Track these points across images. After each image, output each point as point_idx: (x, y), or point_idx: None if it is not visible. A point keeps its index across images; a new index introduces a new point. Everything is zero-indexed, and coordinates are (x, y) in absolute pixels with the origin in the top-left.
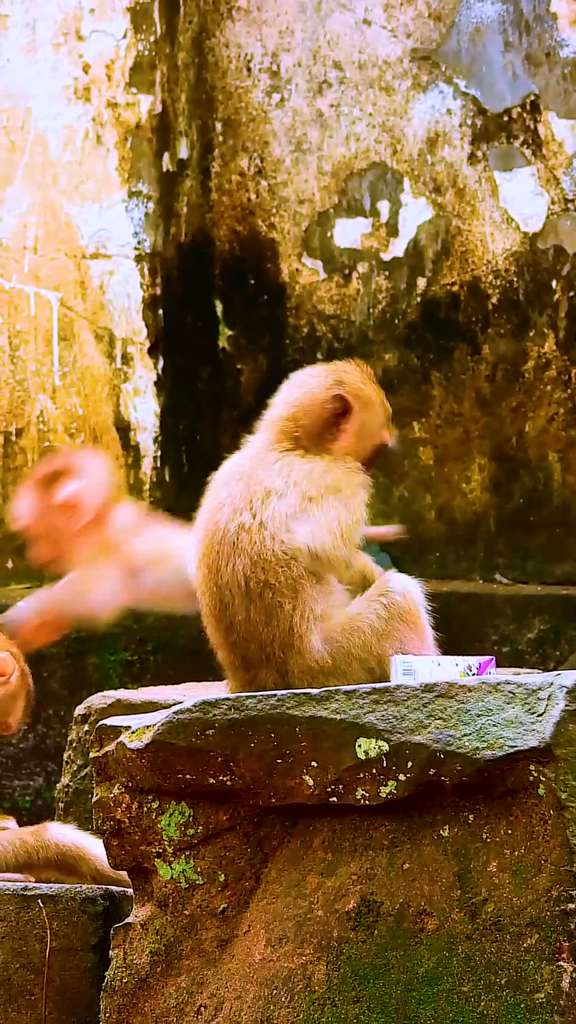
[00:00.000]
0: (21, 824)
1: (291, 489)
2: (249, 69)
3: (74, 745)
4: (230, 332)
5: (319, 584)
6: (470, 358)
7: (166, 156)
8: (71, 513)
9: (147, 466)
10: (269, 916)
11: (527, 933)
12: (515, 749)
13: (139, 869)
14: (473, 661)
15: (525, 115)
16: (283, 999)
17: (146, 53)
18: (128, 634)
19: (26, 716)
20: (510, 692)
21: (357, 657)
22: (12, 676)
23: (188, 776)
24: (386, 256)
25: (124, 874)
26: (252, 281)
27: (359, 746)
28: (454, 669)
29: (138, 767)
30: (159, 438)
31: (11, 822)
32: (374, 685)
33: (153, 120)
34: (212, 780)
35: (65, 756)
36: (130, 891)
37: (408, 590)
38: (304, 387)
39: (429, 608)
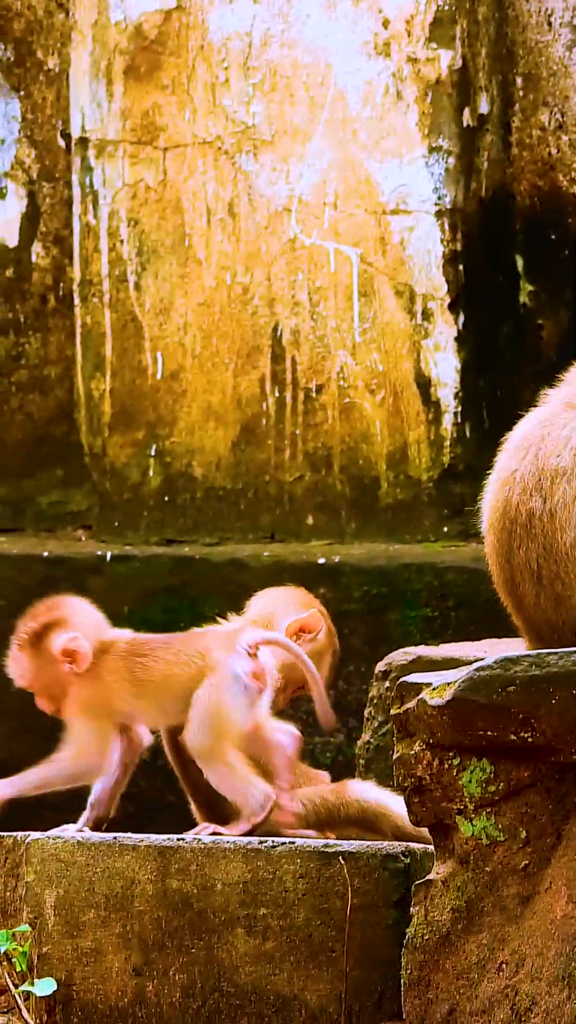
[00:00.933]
0: None
1: None
2: (550, 23)
3: (375, 702)
4: (531, 287)
5: None
6: None
7: (466, 111)
8: (72, 661)
9: (448, 422)
10: (571, 873)
11: None
12: None
13: (440, 826)
14: None
15: None
16: None
17: (446, 8)
18: (429, 590)
19: (332, 675)
20: None
21: None
22: (320, 634)
23: (489, 733)
24: None
25: (424, 831)
26: (553, 236)
27: None
28: None
29: (439, 724)
30: (459, 394)
31: (325, 775)
32: None
33: (453, 75)
34: (513, 737)
35: (366, 712)
36: (430, 848)
37: None
38: None
39: None
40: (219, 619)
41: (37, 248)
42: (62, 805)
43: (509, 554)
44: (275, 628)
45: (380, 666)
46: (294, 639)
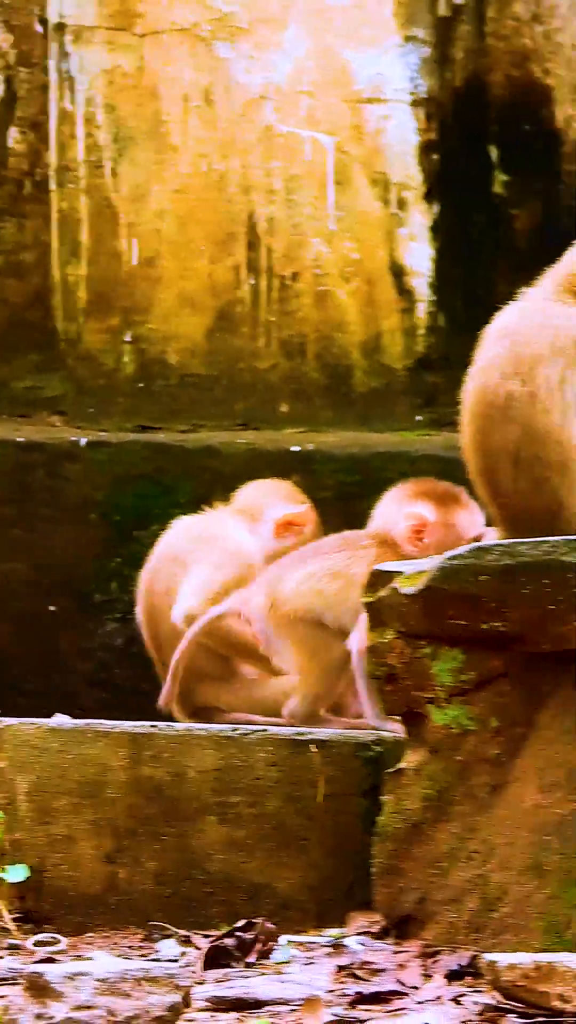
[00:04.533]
0: None
1: (557, 357)
2: None
3: None
4: (505, 178)
5: None
6: None
7: (442, 1)
8: None
9: (422, 311)
10: (541, 762)
11: None
12: None
13: (412, 715)
14: None
15: None
16: (555, 845)
17: None
18: (401, 479)
19: None
20: None
21: None
22: (307, 527)
23: (461, 622)
24: None
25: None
26: (527, 127)
27: None
28: None
29: (411, 613)
30: (434, 283)
31: None
32: None
33: None
34: (485, 626)
35: None
36: (402, 737)
37: None
38: None
39: None
40: (203, 508)
41: (13, 133)
42: (37, 692)
43: (487, 439)
44: (261, 519)
45: None
46: (282, 532)
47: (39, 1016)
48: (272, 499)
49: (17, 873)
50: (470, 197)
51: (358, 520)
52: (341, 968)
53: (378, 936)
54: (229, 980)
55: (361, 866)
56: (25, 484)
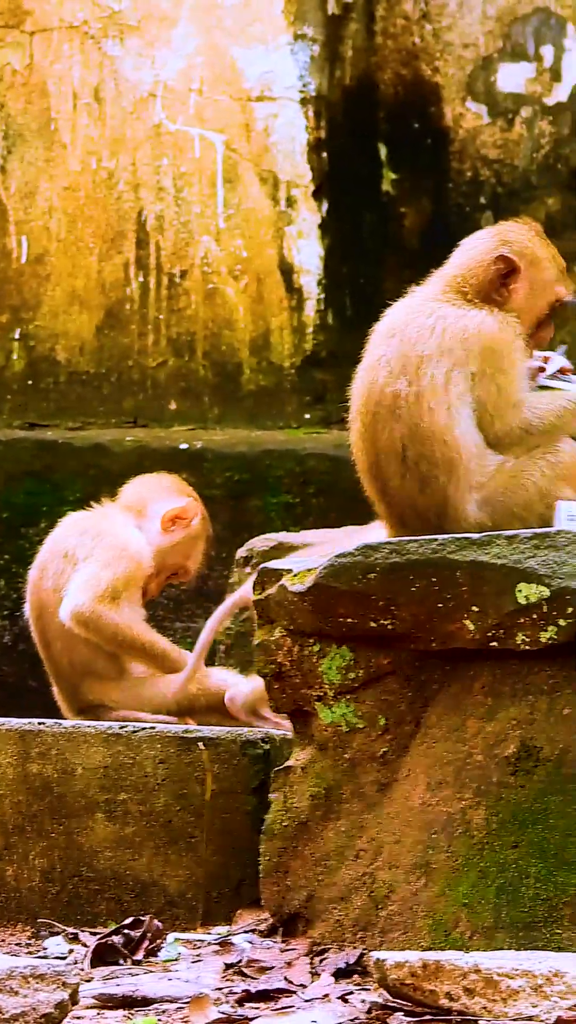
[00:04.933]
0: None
1: (444, 357)
2: None
3: (235, 588)
4: (394, 176)
5: (479, 454)
6: None
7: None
8: None
9: (310, 309)
10: (429, 760)
11: None
12: None
13: (300, 713)
14: None
15: None
16: (442, 843)
17: None
18: (290, 476)
19: (204, 561)
20: None
21: (518, 516)
22: (194, 520)
23: (349, 620)
24: (549, 101)
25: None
26: (416, 125)
27: (519, 591)
28: None
29: (300, 610)
30: (323, 281)
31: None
32: (535, 530)
33: None
34: (373, 624)
35: (227, 599)
36: (291, 735)
37: None
38: (471, 249)
39: None
40: (89, 505)
41: None
42: None
43: (375, 437)
44: (147, 514)
45: (241, 552)
46: (169, 526)
47: None
48: (157, 494)
49: None
50: (359, 195)
51: (248, 517)
52: (229, 966)
53: (266, 934)
54: (117, 978)
55: (249, 864)
56: None
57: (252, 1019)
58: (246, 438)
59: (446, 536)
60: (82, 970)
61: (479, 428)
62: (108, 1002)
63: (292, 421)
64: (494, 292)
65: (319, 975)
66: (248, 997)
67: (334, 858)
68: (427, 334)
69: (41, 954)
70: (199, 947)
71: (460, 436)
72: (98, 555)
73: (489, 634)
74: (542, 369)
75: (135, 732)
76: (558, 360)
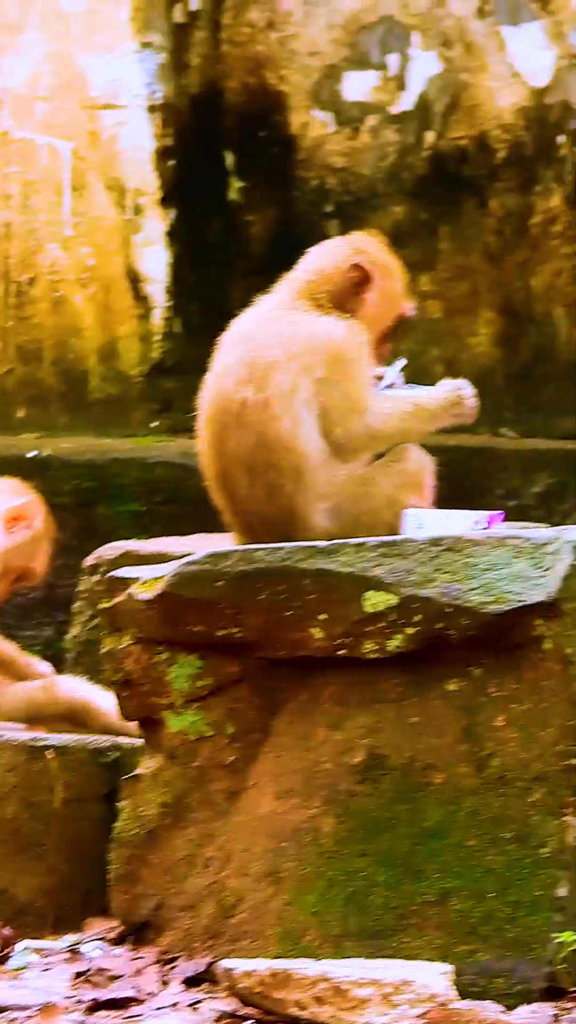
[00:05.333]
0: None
1: (291, 363)
2: None
3: (84, 596)
4: (241, 184)
5: (327, 462)
6: (477, 212)
7: (177, 8)
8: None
9: (158, 317)
10: (277, 769)
11: (533, 787)
12: (521, 604)
13: (149, 721)
14: (482, 516)
15: None
16: (290, 851)
17: None
18: (138, 485)
19: (49, 564)
20: (517, 547)
21: (366, 524)
22: (37, 520)
23: (198, 628)
24: (395, 109)
25: (134, 727)
26: (263, 133)
27: (367, 599)
28: (464, 523)
29: (148, 618)
30: (171, 289)
31: (47, 667)
32: (382, 539)
33: None
34: (222, 632)
35: (74, 607)
36: (140, 743)
37: (423, 461)
38: (324, 256)
39: (437, 462)
40: None
41: None
42: None
43: (222, 445)
44: None
45: (89, 560)
46: (11, 526)
47: None
48: None
49: None
50: (206, 203)
51: (96, 525)
52: (78, 974)
53: (115, 942)
54: None
55: (99, 872)
56: None
57: None
58: (94, 446)
59: (294, 544)
60: None
61: (324, 435)
62: None
63: (139, 429)
64: (347, 300)
65: (168, 983)
66: (97, 1005)
67: (183, 866)
68: (275, 341)
69: None
70: (49, 955)
71: (307, 444)
72: None
73: (337, 642)
74: (380, 377)
75: None
76: (392, 373)
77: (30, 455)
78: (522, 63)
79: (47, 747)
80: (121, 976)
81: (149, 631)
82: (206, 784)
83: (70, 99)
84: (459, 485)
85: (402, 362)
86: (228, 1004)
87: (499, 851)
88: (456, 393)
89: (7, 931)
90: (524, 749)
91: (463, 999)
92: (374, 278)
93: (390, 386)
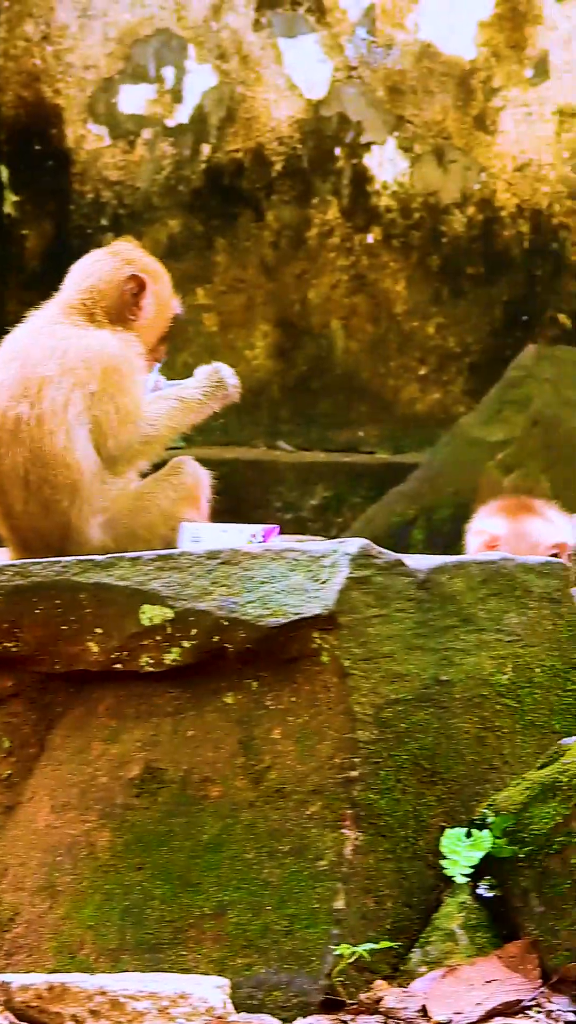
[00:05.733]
0: None
1: (65, 378)
2: None
3: None
4: (15, 198)
5: (101, 477)
6: (254, 225)
7: None
8: None
9: None
10: (53, 783)
11: (310, 800)
12: (299, 616)
13: None
14: (258, 529)
15: None
16: (67, 865)
17: None
18: None
19: None
20: (294, 559)
21: (143, 538)
22: None
23: None
24: (171, 122)
25: None
26: (38, 147)
27: (143, 613)
28: (240, 537)
29: None
30: None
31: None
32: (159, 552)
33: None
34: None
35: None
36: None
37: (199, 474)
38: (94, 270)
39: (214, 475)
40: None
41: None
42: None
43: None
44: None
45: None
46: None
47: None
48: None
49: None
50: None
51: None
52: None
53: None
54: None
55: None
56: None
57: None
58: None
59: (70, 558)
60: None
61: (98, 448)
62: None
63: None
64: (124, 311)
65: None
66: None
67: None
68: (49, 356)
69: None
70: None
71: (81, 459)
72: None
73: (113, 656)
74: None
75: None
76: (152, 378)
77: None
78: (299, 76)
79: None
80: None
81: None
82: None
83: None
84: (236, 498)
85: (157, 365)
86: (4, 1019)
87: (276, 864)
88: (215, 376)
89: None
90: (301, 762)
91: (240, 1012)
92: (147, 285)
93: (154, 390)
